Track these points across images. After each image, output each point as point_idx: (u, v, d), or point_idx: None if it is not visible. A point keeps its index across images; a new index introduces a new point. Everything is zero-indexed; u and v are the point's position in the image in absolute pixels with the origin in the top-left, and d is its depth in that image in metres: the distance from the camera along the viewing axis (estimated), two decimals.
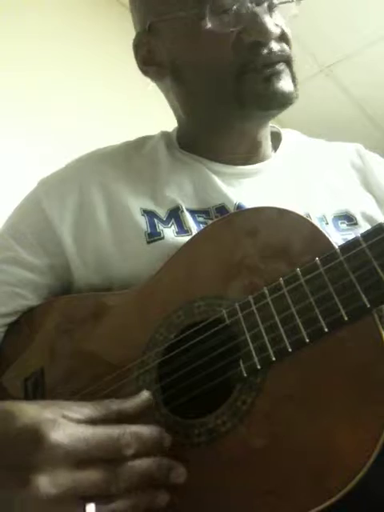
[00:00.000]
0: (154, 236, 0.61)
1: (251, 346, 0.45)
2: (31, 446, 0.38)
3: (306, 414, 0.41)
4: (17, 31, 1.67)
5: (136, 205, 0.64)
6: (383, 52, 2.28)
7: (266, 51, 0.60)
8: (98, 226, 0.63)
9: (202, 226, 0.61)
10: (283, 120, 2.42)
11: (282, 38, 0.62)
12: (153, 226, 0.62)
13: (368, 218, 0.65)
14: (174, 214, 0.63)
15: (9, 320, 0.65)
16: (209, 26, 0.59)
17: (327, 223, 0.63)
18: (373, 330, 0.40)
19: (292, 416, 0.41)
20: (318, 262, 0.44)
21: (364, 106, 2.59)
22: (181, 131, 0.73)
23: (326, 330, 0.41)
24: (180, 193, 0.65)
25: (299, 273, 0.45)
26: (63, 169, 0.71)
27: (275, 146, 0.73)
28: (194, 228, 0.61)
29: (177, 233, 0.61)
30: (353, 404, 0.39)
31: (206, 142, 0.69)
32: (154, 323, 0.52)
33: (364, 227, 0.64)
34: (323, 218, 0.64)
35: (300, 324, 0.43)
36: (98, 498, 0.38)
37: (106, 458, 0.39)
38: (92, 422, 0.41)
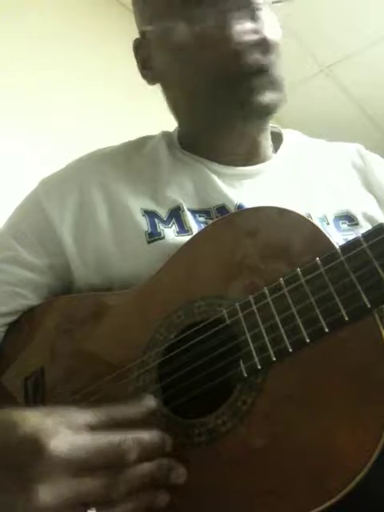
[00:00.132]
0: (154, 236, 0.61)
1: (251, 346, 0.45)
2: (31, 457, 0.37)
3: (306, 414, 0.41)
4: (17, 31, 1.67)
5: (136, 205, 0.64)
6: (383, 52, 2.29)
7: (243, 61, 0.60)
8: (98, 226, 0.63)
9: (202, 226, 0.61)
10: (283, 120, 2.43)
11: (265, 44, 0.61)
12: (153, 226, 0.62)
13: (369, 219, 0.65)
14: (175, 214, 0.63)
15: (9, 319, 0.65)
16: (189, 36, 0.61)
17: (328, 223, 0.63)
18: (373, 330, 0.40)
19: (292, 416, 0.41)
20: (319, 261, 0.44)
21: (364, 106, 2.59)
22: (181, 132, 0.73)
23: (327, 330, 0.41)
24: (181, 192, 0.65)
25: (299, 273, 0.45)
26: (63, 169, 0.71)
27: (276, 147, 0.73)
28: (195, 228, 0.61)
29: (177, 232, 0.61)
30: (353, 404, 0.39)
31: (206, 143, 0.69)
32: (154, 323, 0.52)
33: (365, 227, 0.64)
34: (324, 219, 0.64)
35: (300, 324, 0.43)
36: (100, 505, 0.38)
37: (107, 464, 0.39)
38: (93, 428, 0.41)
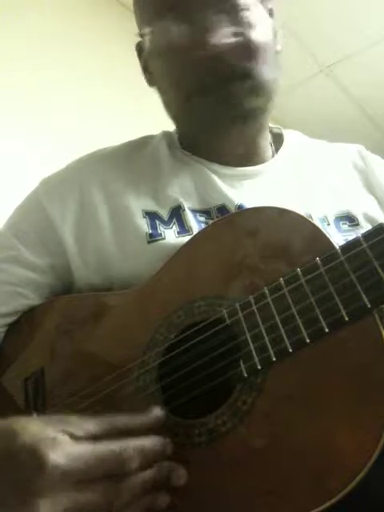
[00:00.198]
0: (154, 237, 0.61)
1: (252, 346, 0.45)
2: (31, 470, 0.37)
3: (306, 414, 0.41)
4: (17, 31, 1.67)
5: (137, 206, 0.64)
6: (383, 52, 2.29)
7: (221, 66, 0.60)
8: (98, 227, 0.63)
9: (203, 226, 0.61)
10: (283, 120, 2.43)
11: (246, 47, 0.60)
12: (154, 227, 0.62)
13: (370, 219, 0.65)
14: (176, 213, 0.63)
15: (9, 320, 0.65)
16: (170, 41, 0.61)
17: (329, 224, 0.63)
18: (373, 330, 0.40)
19: (292, 416, 0.41)
20: (319, 261, 0.44)
21: (364, 106, 2.59)
22: (179, 133, 0.73)
23: (327, 330, 0.41)
24: (182, 192, 0.65)
25: (300, 273, 0.45)
26: (64, 169, 0.71)
27: (277, 147, 0.73)
28: (196, 227, 0.61)
29: (178, 233, 0.61)
30: (353, 404, 0.39)
31: (204, 144, 0.69)
32: (155, 323, 0.52)
33: (366, 228, 0.64)
34: (325, 219, 0.64)
35: (300, 324, 0.43)
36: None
37: (107, 474, 0.39)
38: (94, 437, 0.40)
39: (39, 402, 0.58)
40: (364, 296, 0.41)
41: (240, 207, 0.63)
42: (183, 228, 0.62)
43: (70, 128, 1.67)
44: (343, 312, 0.41)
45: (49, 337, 0.61)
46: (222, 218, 0.57)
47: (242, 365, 0.45)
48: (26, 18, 1.70)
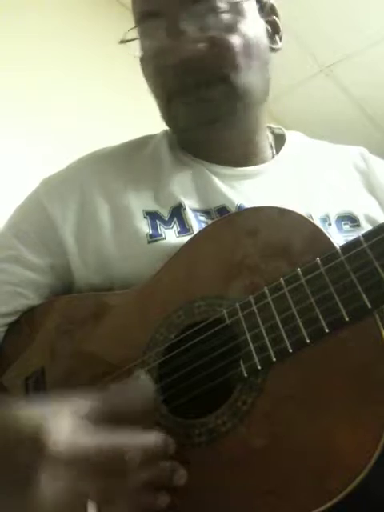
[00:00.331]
0: (155, 237, 0.61)
1: (252, 346, 0.45)
2: (32, 456, 0.37)
3: (306, 414, 0.41)
4: (17, 31, 1.67)
5: (138, 205, 0.64)
6: (383, 52, 2.29)
7: (162, 83, 0.63)
8: (99, 227, 0.63)
9: (203, 226, 0.61)
10: (283, 120, 2.43)
11: (177, 66, 0.60)
12: (155, 227, 0.62)
13: (371, 221, 0.65)
14: (177, 212, 0.63)
15: (9, 320, 0.65)
16: (144, 48, 0.64)
17: (330, 224, 0.63)
18: (374, 330, 0.40)
19: (292, 416, 0.41)
20: (319, 261, 0.44)
21: (364, 106, 2.59)
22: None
23: (327, 330, 0.41)
24: (182, 191, 0.65)
25: (300, 272, 0.45)
26: (64, 169, 0.71)
27: (279, 148, 0.73)
28: (196, 227, 0.61)
29: (178, 233, 0.61)
30: (353, 404, 0.39)
31: (201, 145, 0.69)
32: (155, 323, 0.52)
33: (366, 229, 0.64)
34: (326, 218, 0.64)
35: (300, 324, 0.43)
36: (100, 506, 0.38)
37: (109, 468, 0.39)
38: (96, 421, 0.41)
39: None
40: (364, 296, 0.41)
41: (240, 207, 0.63)
42: (184, 227, 0.62)
43: (70, 128, 1.67)
44: (343, 312, 0.41)
45: (49, 337, 0.61)
46: (222, 217, 0.57)
47: (242, 365, 0.45)
48: (26, 18, 1.70)
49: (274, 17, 0.69)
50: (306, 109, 2.59)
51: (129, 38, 0.64)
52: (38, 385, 0.59)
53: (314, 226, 0.48)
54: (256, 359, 0.44)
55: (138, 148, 0.72)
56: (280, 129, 0.77)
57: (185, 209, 0.63)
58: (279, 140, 0.74)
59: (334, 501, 0.37)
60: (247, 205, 0.62)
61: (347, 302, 0.41)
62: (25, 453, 0.38)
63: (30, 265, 0.64)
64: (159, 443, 0.42)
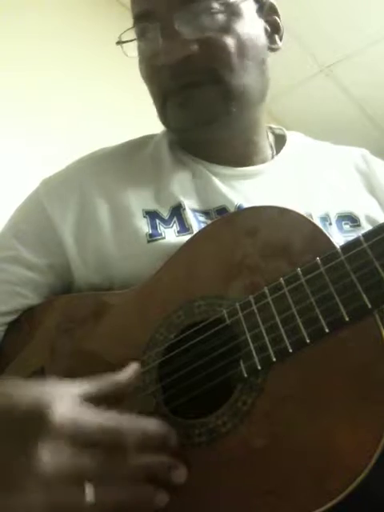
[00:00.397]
0: (154, 236, 0.61)
1: (252, 346, 0.45)
2: (37, 422, 0.38)
3: (306, 414, 0.41)
4: (17, 31, 1.67)
5: (138, 205, 0.64)
6: (383, 52, 2.29)
7: (154, 85, 0.64)
8: (99, 227, 0.63)
9: (203, 225, 0.61)
10: (283, 120, 2.43)
11: (166, 69, 0.61)
12: (154, 227, 0.62)
13: (372, 221, 0.65)
14: (176, 212, 0.63)
15: (9, 319, 0.65)
16: (139, 50, 0.65)
17: (330, 223, 0.63)
18: (373, 329, 0.40)
19: (293, 416, 0.41)
20: (319, 261, 0.44)
21: (364, 106, 2.59)
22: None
23: (327, 330, 0.41)
24: (182, 191, 0.65)
25: (300, 272, 0.45)
26: (64, 169, 0.71)
27: (280, 148, 0.73)
28: (196, 226, 0.61)
29: (178, 232, 0.61)
30: (353, 404, 0.39)
31: (200, 146, 0.69)
32: (154, 323, 0.52)
33: (367, 229, 0.63)
34: (327, 218, 0.64)
35: (300, 324, 0.43)
36: (96, 483, 0.39)
37: (108, 444, 0.40)
38: (98, 402, 0.42)
39: None
40: (364, 296, 0.41)
41: (239, 208, 0.63)
42: (183, 227, 0.62)
43: (70, 128, 1.67)
44: (343, 312, 0.41)
45: (49, 335, 0.61)
46: (222, 217, 0.57)
47: (241, 365, 0.45)
48: (26, 18, 1.70)
49: (275, 16, 0.69)
50: (305, 109, 2.59)
51: (125, 39, 0.64)
52: None
53: (314, 225, 0.48)
54: (256, 359, 0.44)
55: (138, 148, 0.72)
56: (280, 129, 0.77)
57: (184, 209, 0.63)
58: (280, 140, 0.74)
59: (335, 501, 0.37)
60: (246, 205, 0.62)
61: (347, 302, 0.41)
62: (30, 418, 0.39)
63: (29, 264, 0.64)
64: (160, 430, 0.43)
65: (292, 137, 0.76)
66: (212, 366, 0.47)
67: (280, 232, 0.49)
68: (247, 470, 0.41)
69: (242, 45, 0.61)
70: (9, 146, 1.52)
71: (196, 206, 0.64)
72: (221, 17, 0.60)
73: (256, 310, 0.46)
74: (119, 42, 0.65)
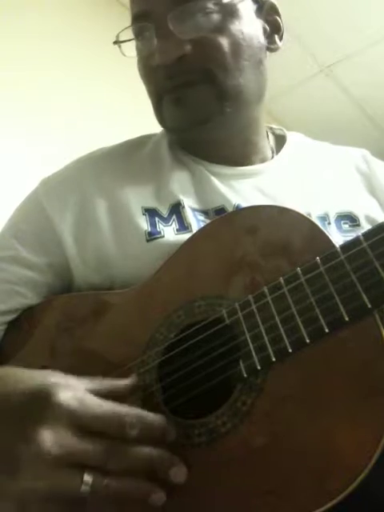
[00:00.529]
0: (154, 235, 0.61)
1: (251, 346, 0.45)
2: (40, 402, 0.39)
3: (306, 414, 0.41)
4: (17, 31, 1.67)
5: (137, 203, 0.64)
6: (383, 52, 2.29)
7: (150, 85, 0.65)
8: (98, 226, 0.63)
9: (202, 224, 0.61)
10: (283, 120, 2.43)
11: (161, 69, 0.61)
12: (153, 224, 0.62)
13: (371, 221, 0.65)
14: (176, 210, 0.63)
15: (9, 318, 0.65)
16: (137, 50, 0.65)
17: (330, 223, 0.63)
18: (373, 329, 0.40)
19: (292, 416, 0.41)
20: (319, 261, 0.44)
21: (364, 106, 2.59)
22: None
23: (327, 329, 0.41)
24: (182, 190, 0.65)
25: (299, 272, 0.45)
26: (64, 169, 0.71)
27: (279, 148, 0.73)
28: (195, 225, 0.61)
29: (177, 230, 0.61)
30: (353, 404, 0.39)
31: (201, 144, 0.69)
32: (155, 322, 0.52)
33: (366, 229, 0.64)
34: (326, 217, 0.64)
35: (300, 324, 0.43)
36: (96, 470, 0.39)
37: (108, 432, 0.40)
38: (100, 393, 0.43)
39: None
40: (364, 295, 0.40)
41: (238, 207, 0.62)
42: (182, 225, 0.62)
43: (70, 128, 1.67)
44: (343, 311, 0.41)
45: (49, 335, 0.61)
46: (222, 216, 0.57)
47: (241, 364, 0.44)
48: (26, 18, 1.70)
49: (276, 16, 0.69)
50: (305, 109, 2.59)
51: (123, 38, 0.64)
52: None
53: (314, 224, 0.48)
54: (255, 359, 0.44)
55: (137, 147, 0.72)
56: (281, 129, 0.77)
57: (184, 207, 0.63)
58: (280, 140, 0.74)
59: (335, 501, 0.37)
60: (245, 204, 0.62)
61: (347, 302, 0.41)
62: (33, 399, 0.40)
63: (28, 264, 0.64)
64: (158, 421, 0.43)
65: (292, 137, 0.76)
66: (212, 366, 0.47)
67: (280, 231, 0.49)
68: (247, 470, 0.41)
69: (237, 45, 0.61)
70: (9, 146, 1.52)
71: (195, 206, 0.64)
72: (215, 17, 0.60)
73: (255, 310, 0.46)
74: (116, 42, 0.65)
